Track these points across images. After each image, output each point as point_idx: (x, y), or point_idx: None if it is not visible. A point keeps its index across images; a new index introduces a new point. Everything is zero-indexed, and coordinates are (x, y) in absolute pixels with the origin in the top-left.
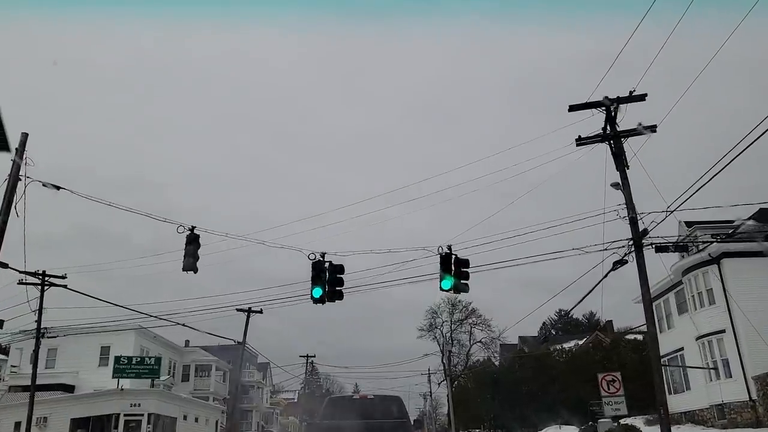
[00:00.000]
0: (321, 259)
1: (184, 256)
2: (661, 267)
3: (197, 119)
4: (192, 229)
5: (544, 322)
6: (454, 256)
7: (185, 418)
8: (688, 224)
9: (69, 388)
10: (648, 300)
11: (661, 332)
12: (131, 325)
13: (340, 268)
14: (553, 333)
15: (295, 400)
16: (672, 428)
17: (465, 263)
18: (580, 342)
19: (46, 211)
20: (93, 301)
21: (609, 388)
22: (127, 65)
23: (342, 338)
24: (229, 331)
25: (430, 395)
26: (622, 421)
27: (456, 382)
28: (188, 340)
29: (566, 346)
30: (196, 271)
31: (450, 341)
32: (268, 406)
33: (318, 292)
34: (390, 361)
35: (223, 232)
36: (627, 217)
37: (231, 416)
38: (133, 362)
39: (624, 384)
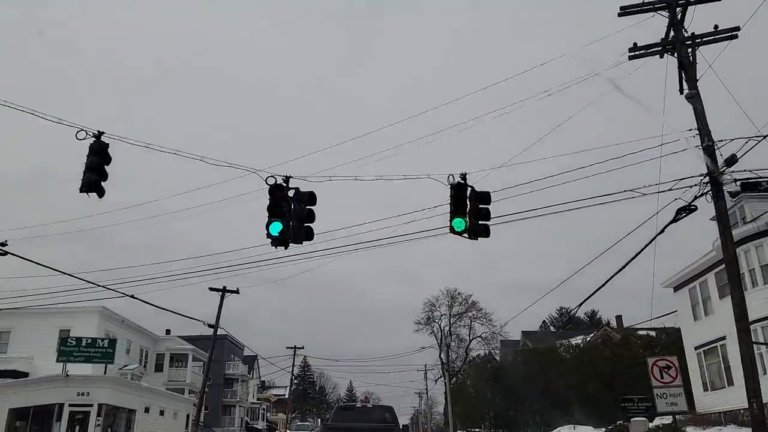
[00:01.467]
0: (284, 183)
1: (84, 172)
2: (693, 246)
3: None
4: (99, 135)
5: (544, 320)
6: (470, 189)
7: (147, 410)
8: None
9: (22, 376)
10: (731, 254)
11: (696, 320)
12: (89, 304)
13: (310, 197)
14: (554, 330)
15: (286, 396)
16: (710, 430)
17: (484, 198)
18: (588, 338)
19: None
20: (48, 276)
21: (662, 377)
22: None
23: (336, 337)
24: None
25: (426, 393)
26: (663, 421)
27: (454, 379)
28: (169, 330)
29: (573, 341)
30: (101, 194)
31: (449, 335)
32: (255, 401)
33: (277, 227)
34: (383, 366)
35: (144, 142)
36: (700, 146)
37: (200, 411)
38: (83, 344)
39: (640, 383)
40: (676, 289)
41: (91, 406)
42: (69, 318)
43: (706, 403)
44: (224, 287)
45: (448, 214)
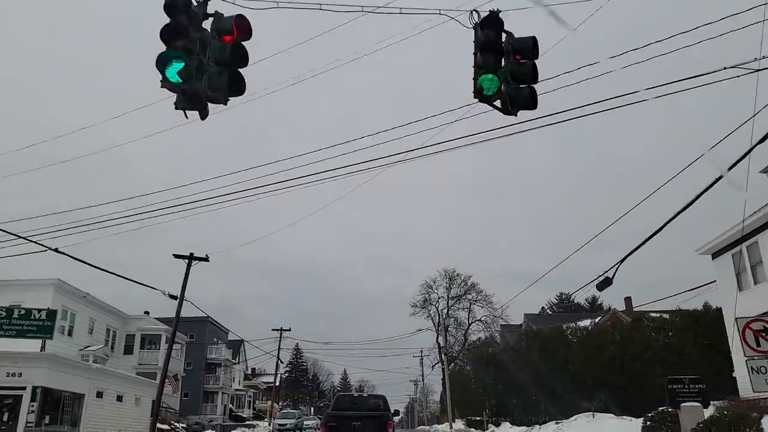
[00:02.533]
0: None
1: None
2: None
3: None
4: None
5: (542, 307)
6: (505, 36)
7: (100, 395)
8: None
9: None
10: None
11: (742, 290)
12: (41, 276)
13: (238, 25)
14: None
15: (277, 384)
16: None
17: (527, 46)
18: (596, 320)
19: None
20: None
21: (759, 344)
22: None
23: (329, 326)
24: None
25: (422, 379)
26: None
27: (452, 364)
28: (148, 311)
29: (581, 323)
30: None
31: (447, 317)
32: (240, 388)
33: (176, 69)
34: (377, 350)
35: None
36: None
37: (160, 396)
38: (14, 316)
39: (653, 368)
40: (715, 255)
41: (24, 389)
42: (19, 292)
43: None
44: (191, 254)
45: (472, 71)
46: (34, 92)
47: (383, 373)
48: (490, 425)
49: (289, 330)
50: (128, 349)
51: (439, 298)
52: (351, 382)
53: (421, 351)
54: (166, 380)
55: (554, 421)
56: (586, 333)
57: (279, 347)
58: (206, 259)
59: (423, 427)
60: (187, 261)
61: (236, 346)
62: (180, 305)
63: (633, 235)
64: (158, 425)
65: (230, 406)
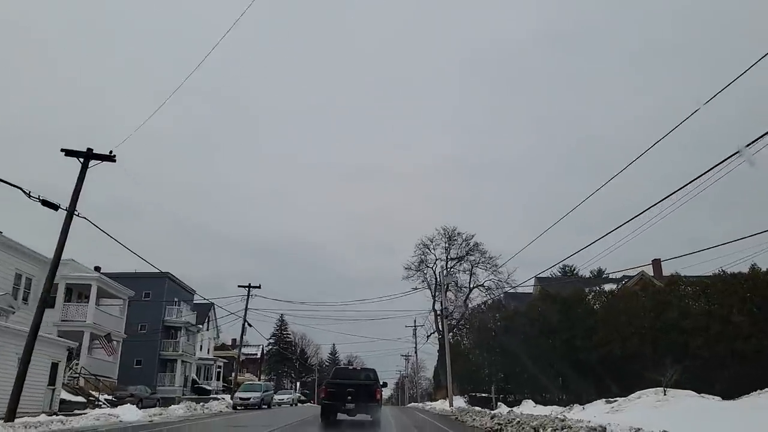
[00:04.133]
0: None
1: None
2: None
3: None
4: None
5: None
6: None
7: None
8: None
9: None
10: None
11: None
12: None
13: None
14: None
15: (258, 356)
16: None
17: None
18: (622, 284)
19: None
20: None
21: None
22: None
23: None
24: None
25: (415, 351)
26: None
27: (451, 334)
28: (99, 266)
29: (606, 287)
30: None
31: (447, 275)
32: (207, 357)
33: None
34: (366, 319)
35: None
36: None
37: (26, 355)
38: None
39: (702, 341)
40: None
41: None
42: None
43: None
44: (88, 149)
45: None
46: None
47: (373, 349)
48: (499, 403)
49: (259, 287)
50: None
51: (436, 259)
52: (340, 357)
53: (415, 321)
54: (96, 341)
55: (604, 400)
56: (611, 297)
57: (246, 306)
58: (111, 159)
59: (415, 404)
60: (81, 161)
61: (204, 311)
62: (69, 218)
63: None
64: (69, 397)
65: (193, 376)
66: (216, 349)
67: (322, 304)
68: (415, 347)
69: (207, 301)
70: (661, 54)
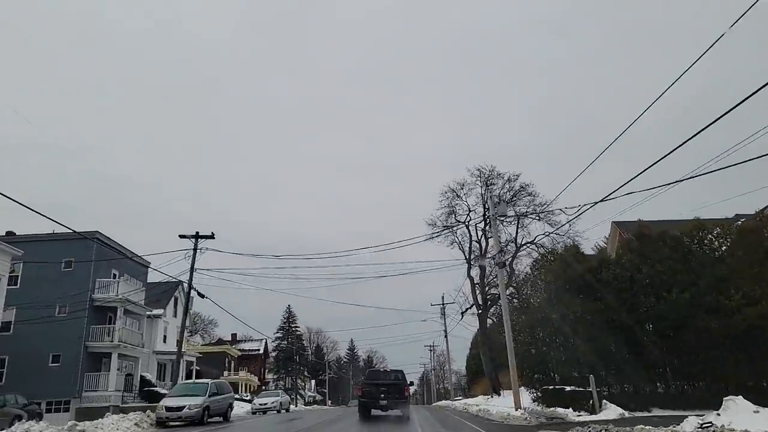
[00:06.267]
0: None
1: None
2: None
3: None
4: None
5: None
6: None
7: None
8: None
9: None
10: None
11: None
12: None
13: None
14: None
15: (261, 352)
16: None
17: None
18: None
19: None
20: None
21: None
22: None
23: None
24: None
25: (446, 337)
26: None
27: (493, 308)
28: (12, 231)
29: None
30: None
31: (494, 218)
32: (168, 351)
33: None
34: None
35: None
36: None
37: None
38: None
39: None
40: None
41: None
42: None
43: None
44: None
45: None
46: None
47: (394, 346)
48: (605, 403)
49: (212, 237)
50: None
51: (470, 210)
52: (359, 353)
53: (443, 297)
54: None
55: None
56: (743, 234)
57: (193, 259)
58: None
59: (447, 402)
60: None
61: (170, 291)
62: None
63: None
64: None
65: (148, 376)
66: (212, 344)
67: (311, 259)
68: (445, 331)
69: (175, 280)
70: None
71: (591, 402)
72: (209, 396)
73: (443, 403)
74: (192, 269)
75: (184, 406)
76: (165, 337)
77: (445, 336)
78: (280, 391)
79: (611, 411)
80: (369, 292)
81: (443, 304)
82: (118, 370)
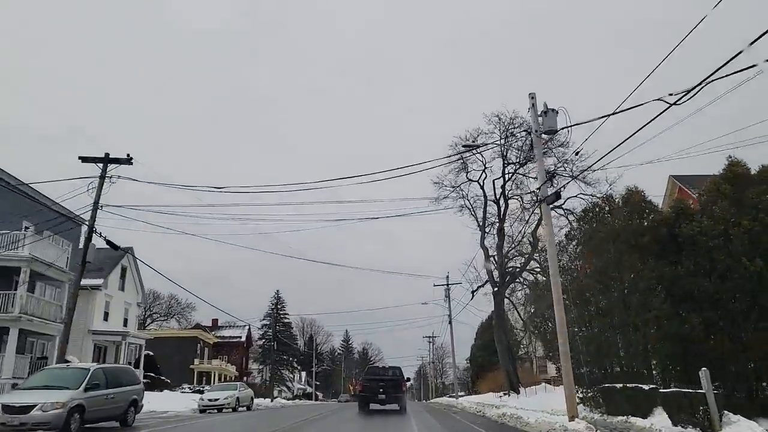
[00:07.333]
0: None
1: None
2: None
3: None
4: None
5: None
6: None
7: None
8: None
9: None
10: None
11: None
12: None
13: None
14: None
15: (243, 339)
16: None
17: None
18: None
19: None
20: None
21: None
22: None
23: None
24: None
25: (450, 323)
26: None
27: (513, 285)
28: None
29: None
30: None
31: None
32: (105, 330)
33: None
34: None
35: None
36: None
37: None
38: None
39: None
40: None
41: None
42: None
43: None
44: None
45: None
46: None
47: (390, 336)
48: (727, 416)
49: (130, 162)
50: None
51: (486, 166)
52: (354, 345)
53: (447, 275)
54: None
55: None
56: None
57: (99, 190)
58: None
59: (448, 399)
60: None
61: (114, 259)
62: None
63: None
64: None
65: (74, 360)
66: (192, 328)
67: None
68: (450, 315)
69: (123, 247)
70: None
71: (702, 410)
72: (87, 390)
73: (444, 400)
74: (96, 204)
75: (33, 406)
76: (107, 314)
77: (450, 322)
78: (238, 383)
79: (742, 427)
80: (366, 287)
81: (447, 285)
82: (21, 351)
